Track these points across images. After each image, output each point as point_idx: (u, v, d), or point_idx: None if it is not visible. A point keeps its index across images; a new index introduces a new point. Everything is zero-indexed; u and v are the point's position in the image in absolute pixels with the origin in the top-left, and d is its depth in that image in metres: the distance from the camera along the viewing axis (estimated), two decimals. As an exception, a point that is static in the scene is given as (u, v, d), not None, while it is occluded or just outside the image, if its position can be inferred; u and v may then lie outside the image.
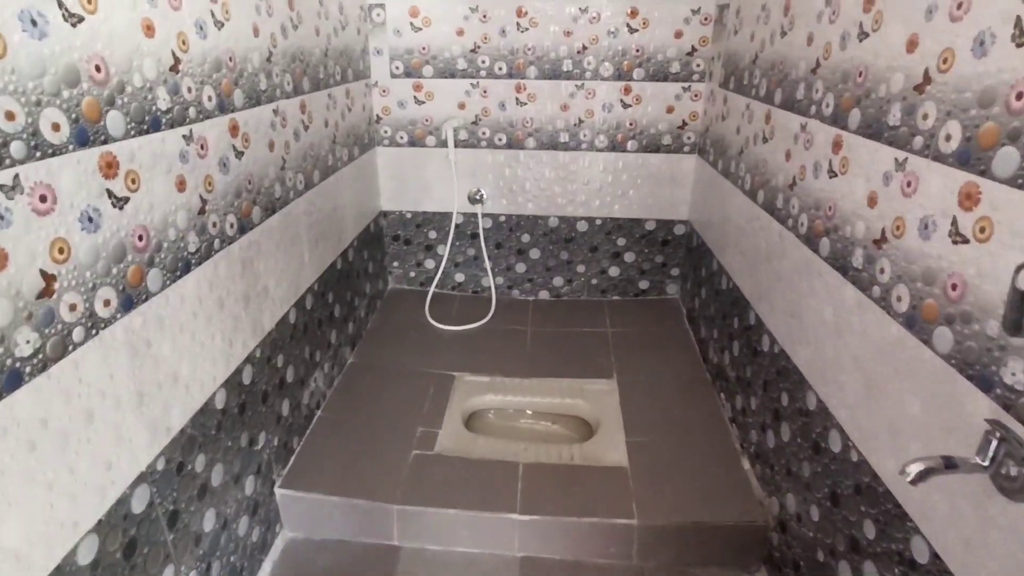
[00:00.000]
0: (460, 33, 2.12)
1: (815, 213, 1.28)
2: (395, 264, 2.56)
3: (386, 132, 2.30)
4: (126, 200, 0.93)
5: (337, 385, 1.93)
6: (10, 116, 0.73)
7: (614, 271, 2.47)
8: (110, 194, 0.90)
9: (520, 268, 2.49)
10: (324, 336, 1.84)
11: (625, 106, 2.20)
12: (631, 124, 2.23)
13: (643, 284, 2.49)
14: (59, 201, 0.80)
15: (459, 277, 2.54)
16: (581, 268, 2.47)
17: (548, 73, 2.17)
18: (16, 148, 0.74)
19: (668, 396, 1.88)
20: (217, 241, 1.20)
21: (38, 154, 0.77)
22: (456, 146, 2.28)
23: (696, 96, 2.18)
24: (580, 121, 2.23)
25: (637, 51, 2.13)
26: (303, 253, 1.66)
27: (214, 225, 1.19)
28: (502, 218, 2.41)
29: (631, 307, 2.46)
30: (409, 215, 2.45)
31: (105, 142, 0.89)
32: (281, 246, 1.52)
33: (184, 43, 1.07)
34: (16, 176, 0.74)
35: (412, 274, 2.56)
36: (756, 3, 1.67)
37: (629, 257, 2.44)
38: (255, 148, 1.36)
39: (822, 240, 1.24)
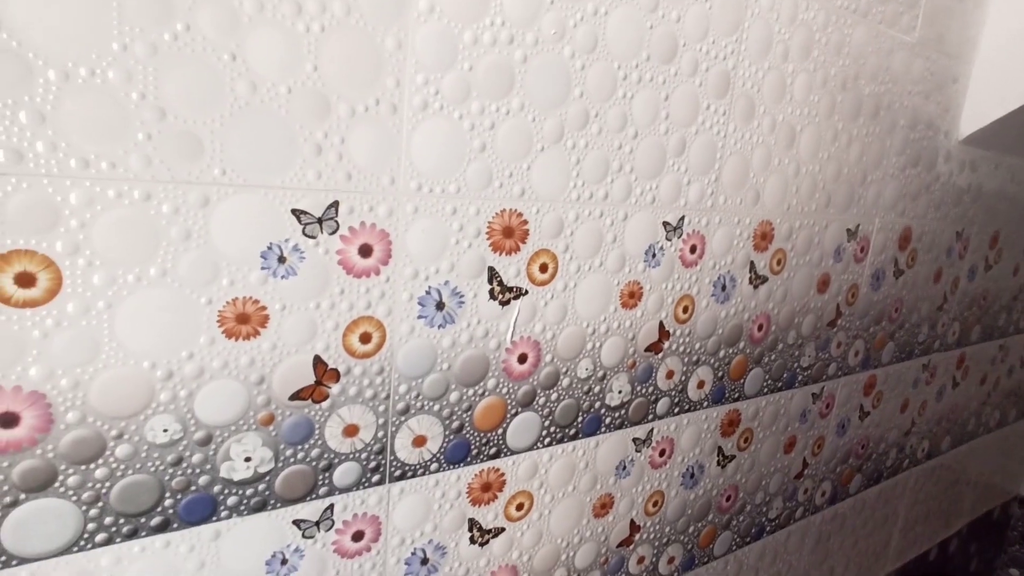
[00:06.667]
0: None
1: None
2: (1012, 571, 1.78)
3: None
4: (731, 459, 0.85)
5: None
6: (669, 375, 0.73)
7: None
8: (719, 452, 0.83)
9: None
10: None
11: None
12: None
13: None
14: (675, 454, 0.77)
15: None
16: None
17: None
18: (662, 405, 0.73)
19: None
20: (801, 510, 1.00)
21: (676, 411, 0.75)
22: None
23: None
24: None
25: None
26: (890, 536, 1.28)
27: (804, 492, 1.00)
28: None
29: None
30: (1064, 514, 1.66)
31: (737, 400, 0.82)
32: (869, 523, 1.19)
33: (854, 295, 0.93)
34: (651, 431, 0.73)
35: None
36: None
37: None
38: (884, 408, 1.10)
39: None
